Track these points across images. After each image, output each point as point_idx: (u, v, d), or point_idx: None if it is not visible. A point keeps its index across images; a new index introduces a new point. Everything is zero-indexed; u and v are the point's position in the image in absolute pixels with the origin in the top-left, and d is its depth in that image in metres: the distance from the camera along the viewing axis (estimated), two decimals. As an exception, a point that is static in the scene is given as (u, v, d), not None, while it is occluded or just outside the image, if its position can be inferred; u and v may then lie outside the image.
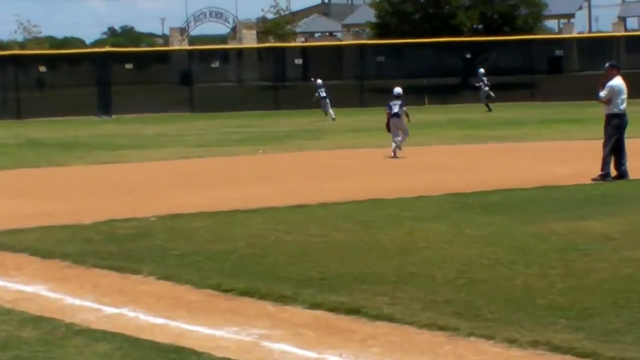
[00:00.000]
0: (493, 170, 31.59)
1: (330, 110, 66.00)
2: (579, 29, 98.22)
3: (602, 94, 28.90)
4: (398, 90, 41.75)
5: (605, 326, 12.79)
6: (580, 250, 17.67)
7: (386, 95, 76.20)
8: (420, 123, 56.94)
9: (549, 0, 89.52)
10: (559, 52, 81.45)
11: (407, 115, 40.20)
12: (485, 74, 51.97)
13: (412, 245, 18.80)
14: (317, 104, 66.88)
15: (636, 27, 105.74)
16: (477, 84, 56.69)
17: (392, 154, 38.24)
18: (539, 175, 29.16)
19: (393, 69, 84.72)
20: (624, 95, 28.77)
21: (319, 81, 68.48)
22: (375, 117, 62.39)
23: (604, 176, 28.21)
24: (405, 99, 37.97)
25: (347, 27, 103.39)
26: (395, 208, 23.54)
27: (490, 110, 61.25)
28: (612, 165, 28.46)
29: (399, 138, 38.82)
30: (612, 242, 18.30)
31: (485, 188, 26.59)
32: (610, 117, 28.70)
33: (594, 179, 27.99)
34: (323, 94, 67.51)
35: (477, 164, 34.01)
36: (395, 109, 39.94)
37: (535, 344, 12.12)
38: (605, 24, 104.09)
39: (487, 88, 56.89)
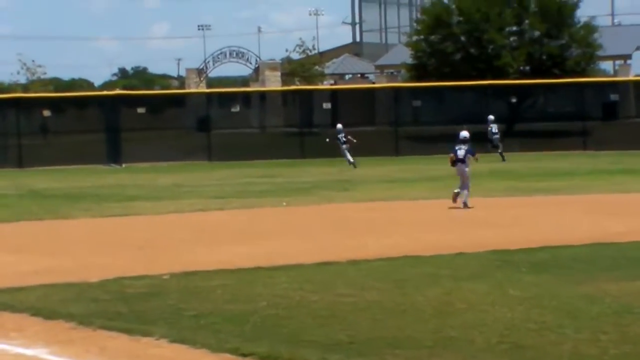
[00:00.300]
0: (539, 226, 31.55)
1: (349, 156, 66.99)
2: (636, 71, 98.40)
3: None
4: (464, 134, 42.07)
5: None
6: (636, 313, 17.68)
7: (425, 142, 76.84)
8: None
9: (604, 39, 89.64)
10: (614, 97, 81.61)
11: (476, 158, 41.64)
12: (494, 121, 50.81)
13: (450, 307, 18.81)
14: (332, 145, 67.50)
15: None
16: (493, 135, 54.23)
17: (453, 201, 39.17)
18: (590, 231, 29.14)
19: (431, 114, 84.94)
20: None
21: (339, 126, 70.37)
22: (411, 167, 62.66)
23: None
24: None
25: (381, 68, 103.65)
26: (432, 266, 23.55)
27: (504, 159, 61.11)
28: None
29: (458, 191, 39.69)
30: (672, 305, 18.31)
31: (531, 245, 26.55)
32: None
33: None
34: (343, 139, 68.27)
35: (522, 219, 34.01)
36: (461, 154, 40.36)
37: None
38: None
39: (497, 136, 54.99)
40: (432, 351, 15.35)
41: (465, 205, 39.20)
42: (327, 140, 68.38)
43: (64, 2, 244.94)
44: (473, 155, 40.73)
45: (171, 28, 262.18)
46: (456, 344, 15.90)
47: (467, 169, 40.05)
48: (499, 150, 65.67)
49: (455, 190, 39.65)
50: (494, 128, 50.93)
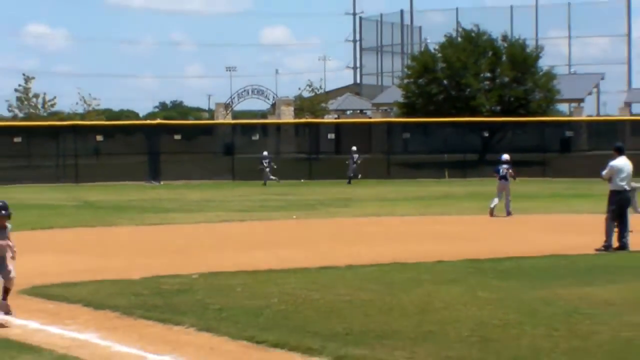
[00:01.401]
0: (506, 240, 31.54)
1: (268, 177, 71.60)
2: (588, 112, 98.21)
3: (604, 173, 29.01)
4: (506, 156, 44.35)
5: (605, 384, 12.83)
6: (584, 314, 17.66)
7: (412, 168, 76.82)
8: (440, 195, 56.98)
9: (561, 85, 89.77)
10: (569, 133, 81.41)
11: (514, 177, 43.64)
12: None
13: (430, 305, 18.81)
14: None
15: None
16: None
17: (489, 214, 41.36)
18: (547, 245, 29.10)
19: (418, 145, 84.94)
20: (625, 174, 28.70)
21: (265, 153, 74.15)
22: (400, 188, 62.57)
23: (607, 247, 28.21)
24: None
25: (377, 105, 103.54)
26: (416, 271, 23.53)
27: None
28: (614, 238, 28.47)
29: (497, 200, 42.17)
30: (613, 308, 18.29)
31: (498, 255, 26.56)
32: (612, 194, 28.73)
33: (597, 250, 28.00)
34: (265, 163, 72.58)
35: (492, 234, 34.01)
36: (503, 173, 42.75)
37: (539, 399, 12.18)
38: (612, 109, 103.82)
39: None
40: (414, 342, 15.36)
41: (509, 213, 41.73)
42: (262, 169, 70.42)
43: (114, 46, 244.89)
44: (509, 171, 42.99)
45: (203, 69, 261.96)
46: (434, 336, 15.91)
47: (508, 185, 42.49)
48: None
49: (491, 206, 41.82)
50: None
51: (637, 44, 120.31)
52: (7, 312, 15.84)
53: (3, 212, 17.31)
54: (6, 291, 15.94)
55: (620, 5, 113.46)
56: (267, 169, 72.81)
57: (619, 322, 16.83)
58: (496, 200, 42.41)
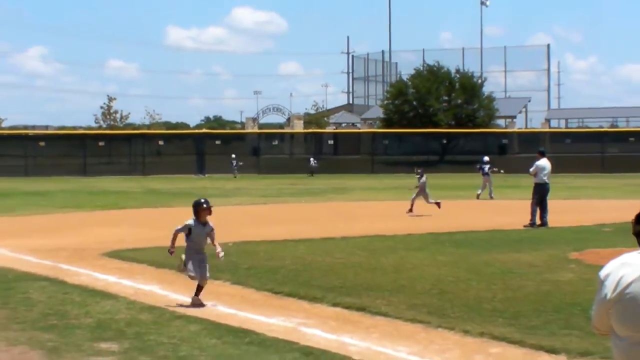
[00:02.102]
0: (458, 218, 31.47)
1: (235, 173, 73.03)
2: (518, 125, 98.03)
3: (531, 170, 29.37)
4: (486, 158, 46.20)
5: (529, 323, 12.79)
6: (515, 273, 17.67)
7: (391, 165, 76.83)
8: (411, 186, 56.85)
9: (499, 106, 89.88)
10: (505, 141, 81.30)
11: (499, 170, 45.24)
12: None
13: (402, 266, 18.80)
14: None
15: (556, 125, 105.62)
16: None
17: (476, 197, 42.92)
18: (488, 222, 29.06)
19: (394, 149, 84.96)
20: (546, 171, 29.09)
21: (233, 156, 75.83)
22: (381, 181, 62.52)
23: (532, 224, 28.21)
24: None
25: (364, 119, 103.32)
26: (392, 242, 23.51)
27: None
28: (537, 217, 28.46)
29: (480, 193, 43.21)
30: (536, 268, 18.29)
31: (452, 230, 26.51)
32: (536, 185, 28.92)
33: (525, 226, 27.99)
34: (234, 162, 74.76)
35: (448, 214, 33.94)
36: (486, 169, 43.97)
37: (482, 334, 12.15)
38: (536, 123, 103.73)
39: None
40: (390, 293, 15.35)
41: (492, 197, 42.73)
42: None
43: (173, 75, 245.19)
44: (490, 168, 44.15)
45: (237, 93, 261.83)
46: (405, 289, 15.90)
47: (490, 179, 43.65)
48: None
49: (478, 192, 43.32)
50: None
51: (553, 77, 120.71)
52: (200, 304, 14.36)
53: (204, 205, 15.36)
54: (200, 289, 14.59)
55: (541, 49, 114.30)
56: (235, 167, 73.98)
57: (540, 279, 16.87)
58: (479, 191, 43.31)
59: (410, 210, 33.94)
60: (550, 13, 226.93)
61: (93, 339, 12.08)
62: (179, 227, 14.84)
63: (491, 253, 20.83)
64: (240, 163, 74.59)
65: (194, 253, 14.54)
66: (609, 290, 4.90)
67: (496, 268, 18.38)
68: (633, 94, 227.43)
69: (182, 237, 14.85)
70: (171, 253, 14.63)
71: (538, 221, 28.38)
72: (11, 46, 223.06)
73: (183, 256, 14.39)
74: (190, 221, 14.83)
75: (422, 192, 34.77)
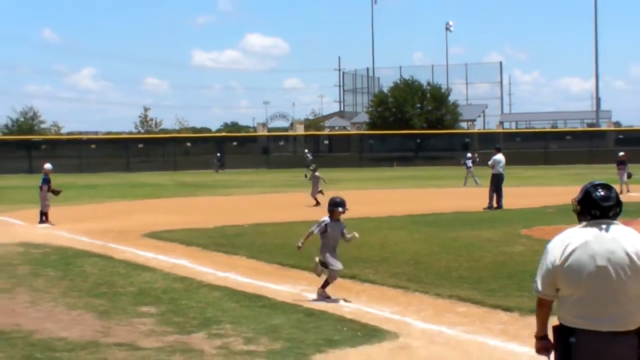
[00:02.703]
0: (431, 203, 31.44)
1: (216, 168, 71.87)
2: (478, 127, 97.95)
3: (489, 163, 29.44)
4: (469, 154, 46.18)
5: (488, 287, 12.81)
6: (476, 246, 17.68)
7: (375, 161, 76.81)
8: (391, 177, 56.87)
9: (462, 111, 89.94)
10: (467, 140, 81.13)
11: (479, 159, 44.15)
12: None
13: (386, 242, 18.80)
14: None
15: (508, 126, 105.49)
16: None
17: (464, 185, 42.54)
18: (454, 206, 29.04)
19: (378, 147, 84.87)
20: (502, 164, 29.19)
21: (218, 155, 75.55)
22: (368, 174, 62.46)
23: (489, 207, 28.22)
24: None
25: (354, 124, 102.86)
26: (377, 222, 23.46)
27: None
28: (494, 201, 28.48)
29: (465, 182, 42.94)
30: (494, 243, 18.31)
31: (426, 212, 26.51)
32: (493, 175, 28.95)
33: (484, 209, 27.99)
34: (218, 157, 74.46)
35: (422, 199, 33.93)
36: (469, 165, 43.98)
37: (451, 297, 12.16)
38: (492, 125, 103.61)
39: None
40: (377, 264, 15.38)
41: (477, 183, 41.08)
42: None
43: (196, 90, 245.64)
44: (473, 162, 44.22)
45: (250, 103, 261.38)
46: (389, 260, 15.92)
47: (472, 172, 43.29)
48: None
49: (464, 182, 43.04)
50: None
51: (505, 88, 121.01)
52: (327, 297, 12.42)
53: (340, 208, 13.39)
54: (326, 283, 12.59)
55: (495, 65, 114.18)
56: (218, 162, 73.27)
57: (497, 251, 16.89)
58: (465, 181, 43.41)
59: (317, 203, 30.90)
60: (502, 37, 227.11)
61: (136, 303, 12.11)
62: (316, 227, 13.18)
63: (457, 231, 20.85)
64: (218, 162, 73.82)
65: (331, 249, 12.98)
66: (556, 257, 5.08)
67: (461, 243, 18.39)
68: (569, 101, 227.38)
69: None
70: (299, 249, 12.86)
71: (495, 205, 28.41)
72: (68, 68, 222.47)
73: (317, 258, 12.82)
74: (326, 219, 13.25)
75: (315, 185, 32.40)
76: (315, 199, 31.38)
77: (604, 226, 5.08)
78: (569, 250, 5.03)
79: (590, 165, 67.11)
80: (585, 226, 5.13)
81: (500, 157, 29.48)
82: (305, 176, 31.01)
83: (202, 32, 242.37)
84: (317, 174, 32.33)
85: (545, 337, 5.32)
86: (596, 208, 5.11)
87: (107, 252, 17.90)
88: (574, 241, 5.05)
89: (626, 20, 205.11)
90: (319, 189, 32.03)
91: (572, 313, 5.06)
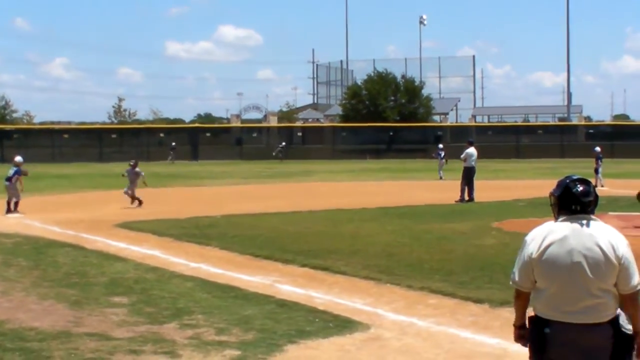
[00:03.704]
0: (402, 195, 31.52)
1: (170, 160, 71.06)
2: (450, 120, 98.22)
3: (462, 156, 29.55)
4: (441, 146, 46.93)
5: (459, 279, 12.84)
6: (448, 239, 17.73)
7: (348, 153, 76.89)
8: (364, 169, 56.97)
9: (435, 104, 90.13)
10: (440, 133, 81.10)
11: (446, 161, 43.60)
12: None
13: (358, 234, 18.81)
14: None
15: (481, 120, 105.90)
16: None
17: (439, 179, 42.28)
18: (426, 198, 29.12)
19: (351, 140, 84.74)
20: (474, 157, 29.28)
21: (173, 144, 74.71)
22: (341, 166, 62.46)
23: (461, 200, 28.33)
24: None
25: (327, 116, 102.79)
26: (350, 214, 23.51)
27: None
28: (465, 194, 28.58)
29: (441, 172, 43.11)
30: (464, 235, 18.35)
31: (398, 204, 26.53)
32: (465, 168, 29.05)
33: (456, 201, 28.09)
34: (172, 149, 73.15)
35: (394, 192, 34.01)
36: (442, 156, 44.26)
37: (422, 288, 12.18)
38: (465, 119, 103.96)
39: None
40: (349, 256, 15.36)
41: (441, 178, 41.84)
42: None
43: (170, 80, 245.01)
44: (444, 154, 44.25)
45: (223, 94, 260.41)
46: (361, 252, 15.92)
47: (442, 164, 43.50)
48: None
49: (440, 175, 42.98)
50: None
51: (478, 81, 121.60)
52: None
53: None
54: None
55: (468, 59, 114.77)
56: (173, 153, 72.28)
57: (468, 243, 16.93)
58: (441, 172, 43.37)
59: None
60: (474, 31, 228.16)
61: (107, 293, 12.05)
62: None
63: (429, 223, 20.89)
64: (172, 153, 73.07)
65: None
66: (534, 250, 5.14)
67: (433, 235, 18.43)
68: (540, 95, 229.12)
69: None
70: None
71: (466, 197, 28.53)
72: (41, 57, 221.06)
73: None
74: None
75: (132, 182, 28.15)
76: (134, 198, 27.68)
77: (584, 222, 5.14)
78: (546, 243, 5.09)
79: (561, 159, 67.55)
80: (565, 220, 5.18)
81: (472, 150, 29.60)
82: (123, 175, 27.58)
83: (175, 23, 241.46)
84: (137, 169, 28.41)
85: (524, 326, 5.40)
86: (577, 203, 5.16)
87: (79, 242, 17.80)
88: (552, 235, 5.11)
89: (596, 15, 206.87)
90: (137, 186, 28.07)
91: (547, 305, 5.13)
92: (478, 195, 28.58)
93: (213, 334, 9.55)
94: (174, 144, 74.80)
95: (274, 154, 74.08)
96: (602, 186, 34.12)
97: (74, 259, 15.47)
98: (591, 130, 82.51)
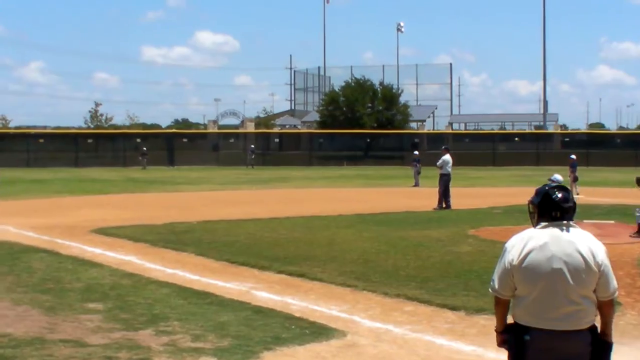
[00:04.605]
0: (379, 202, 31.59)
1: (144, 164, 70.40)
2: (428, 128, 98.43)
3: (438, 163, 29.66)
4: (416, 153, 47.06)
5: (436, 286, 12.88)
6: (424, 246, 17.75)
7: (325, 160, 76.87)
8: (341, 176, 56.97)
9: (412, 112, 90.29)
10: (417, 140, 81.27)
11: (419, 170, 43.40)
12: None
13: (334, 241, 18.80)
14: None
15: (457, 127, 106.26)
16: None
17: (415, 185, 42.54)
18: (403, 205, 29.18)
19: (328, 146, 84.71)
20: (450, 164, 29.41)
21: (144, 148, 73.82)
22: (317, 172, 62.47)
23: (440, 207, 28.41)
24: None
25: (304, 122, 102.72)
26: (326, 220, 23.50)
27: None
28: (443, 201, 28.69)
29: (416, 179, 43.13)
30: (441, 242, 18.38)
31: (374, 211, 26.57)
32: (442, 175, 29.16)
33: (434, 209, 28.16)
34: (144, 151, 72.60)
35: (370, 199, 34.05)
36: (415, 163, 44.16)
37: (398, 295, 12.21)
38: (442, 126, 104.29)
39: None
40: (325, 263, 15.36)
41: (417, 185, 42.29)
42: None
43: (147, 85, 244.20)
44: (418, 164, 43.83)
45: (200, 100, 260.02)
46: (337, 259, 15.91)
47: (417, 172, 43.34)
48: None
49: (417, 181, 42.90)
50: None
51: (455, 89, 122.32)
52: None
53: None
54: None
55: (445, 66, 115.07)
56: (144, 158, 71.54)
57: (444, 251, 16.97)
58: (417, 179, 43.30)
59: None
60: (451, 39, 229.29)
61: (82, 300, 11.99)
62: None
63: (405, 230, 20.93)
64: (143, 158, 72.32)
65: None
66: (514, 257, 5.17)
67: (409, 242, 18.45)
68: (516, 103, 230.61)
69: None
70: None
71: (443, 205, 28.61)
72: (16, 61, 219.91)
73: None
74: None
75: None
76: None
77: (564, 228, 5.19)
78: (526, 250, 5.12)
79: (537, 167, 67.89)
80: (545, 227, 5.22)
81: (448, 157, 29.75)
82: None
83: (151, 27, 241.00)
84: None
85: (505, 331, 5.40)
86: (556, 209, 5.21)
87: (54, 248, 17.68)
88: (532, 242, 5.15)
89: (572, 25, 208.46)
90: None
91: (527, 312, 5.15)
92: (455, 203, 28.67)
93: (189, 340, 9.52)
94: (145, 149, 74.25)
95: (247, 162, 73.68)
96: (577, 194, 34.30)
97: (49, 264, 15.38)
98: (567, 139, 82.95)
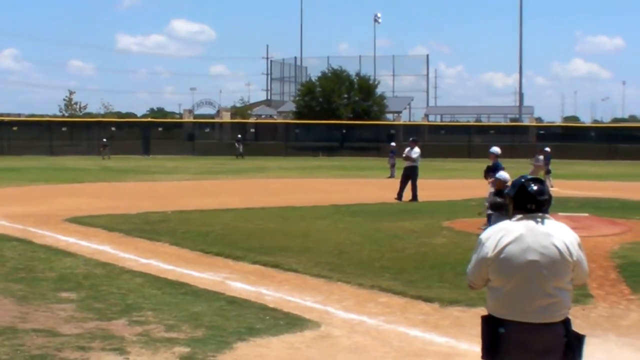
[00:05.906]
0: (354, 193, 31.62)
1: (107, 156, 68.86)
2: (404, 119, 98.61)
3: (415, 156, 29.04)
4: (393, 144, 47.03)
5: (410, 278, 12.91)
6: (399, 237, 17.76)
7: (300, 150, 76.85)
8: (316, 166, 56.96)
9: (388, 103, 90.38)
10: (392, 131, 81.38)
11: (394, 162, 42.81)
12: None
13: (310, 232, 18.77)
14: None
15: (433, 119, 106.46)
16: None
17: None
18: (379, 196, 29.20)
19: (304, 136, 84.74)
20: (418, 155, 28.74)
21: (104, 139, 72.14)
22: (293, 163, 62.43)
23: (399, 198, 28.10)
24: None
25: (280, 112, 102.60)
26: (302, 212, 23.46)
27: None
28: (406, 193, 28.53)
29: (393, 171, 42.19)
30: (416, 234, 18.39)
31: (350, 202, 26.53)
32: (412, 167, 28.63)
33: (409, 200, 28.03)
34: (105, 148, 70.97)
35: (346, 189, 34.07)
36: (392, 155, 44.13)
37: (372, 287, 12.23)
38: (418, 118, 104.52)
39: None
40: (300, 254, 15.35)
41: (393, 176, 40.51)
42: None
43: (122, 74, 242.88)
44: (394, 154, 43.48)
45: (176, 89, 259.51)
46: (312, 250, 15.91)
47: (392, 161, 43.19)
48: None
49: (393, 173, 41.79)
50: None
51: (431, 81, 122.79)
52: None
53: None
54: None
55: (422, 58, 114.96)
56: (106, 149, 69.82)
57: (419, 242, 16.98)
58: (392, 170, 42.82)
59: None
60: (428, 30, 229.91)
61: (55, 289, 11.92)
62: None
63: (380, 221, 20.92)
64: (104, 148, 70.74)
65: None
66: (489, 249, 5.19)
67: (384, 233, 18.46)
68: (492, 96, 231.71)
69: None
70: None
71: (404, 197, 28.13)
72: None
73: None
74: None
75: None
76: None
77: (539, 220, 5.22)
78: (502, 243, 5.14)
79: (512, 159, 68.05)
80: (521, 219, 5.25)
81: (418, 150, 29.15)
82: None
83: (127, 15, 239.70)
84: None
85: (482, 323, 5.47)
86: (532, 202, 5.24)
87: (27, 237, 17.57)
88: (508, 234, 5.17)
89: (547, 18, 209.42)
90: None
91: (502, 304, 5.18)
92: (429, 194, 28.62)
93: (162, 330, 9.49)
94: (105, 139, 73.04)
95: (236, 151, 72.82)
96: (551, 187, 34.46)
97: (22, 253, 15.28)
98: (542, 131, 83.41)
